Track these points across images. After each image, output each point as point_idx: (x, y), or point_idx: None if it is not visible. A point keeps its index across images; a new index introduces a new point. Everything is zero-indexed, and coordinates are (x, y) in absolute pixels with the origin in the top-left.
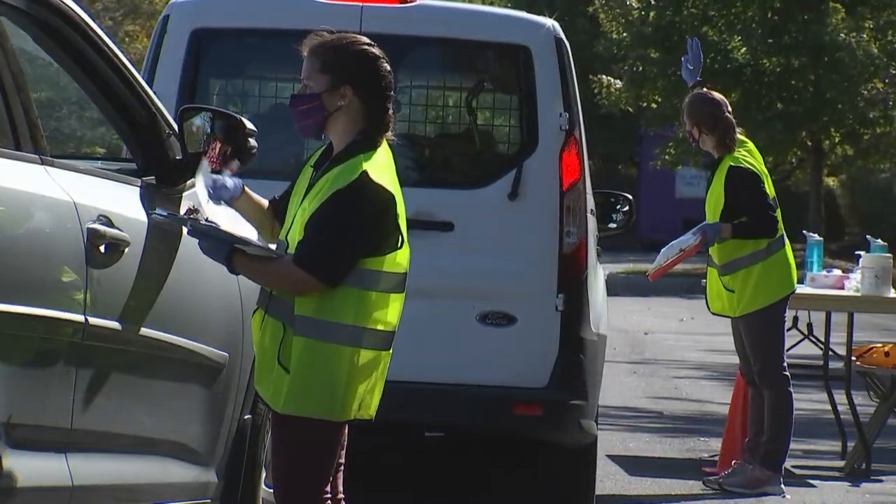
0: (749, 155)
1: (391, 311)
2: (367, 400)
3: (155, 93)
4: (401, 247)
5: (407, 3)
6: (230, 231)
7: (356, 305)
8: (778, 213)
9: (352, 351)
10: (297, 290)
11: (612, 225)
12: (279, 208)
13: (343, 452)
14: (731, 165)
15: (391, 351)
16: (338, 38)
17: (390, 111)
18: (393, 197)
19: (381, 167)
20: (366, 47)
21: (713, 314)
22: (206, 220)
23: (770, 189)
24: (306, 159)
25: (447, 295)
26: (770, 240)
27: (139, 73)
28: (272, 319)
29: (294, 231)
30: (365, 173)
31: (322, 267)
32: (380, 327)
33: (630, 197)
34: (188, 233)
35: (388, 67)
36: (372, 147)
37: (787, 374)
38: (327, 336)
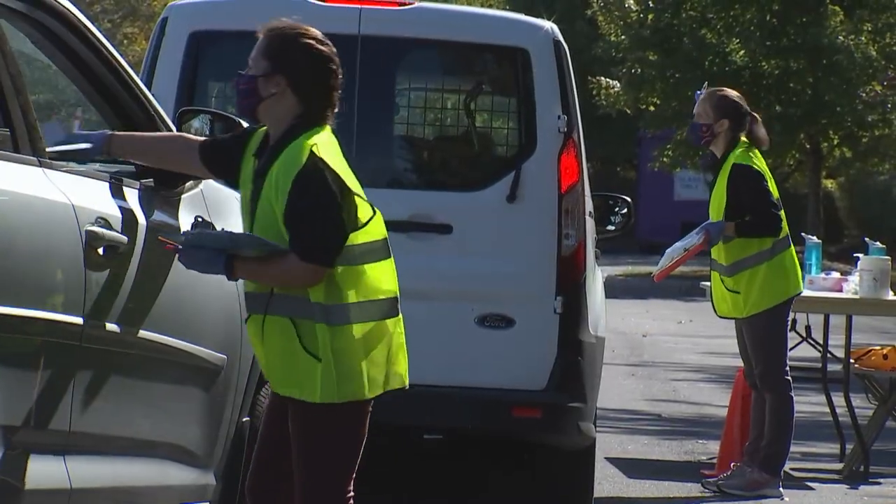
0: (753, 155)
1: (388, 278)
2: (394, 369)
3: (153, 95)
4: (374, 213)
5: (405, 5)
6: (225, 229)
7: (356, 282)
8: (782, 214)
9: (365, 326)
10: (308, 282)
11: (611, 227)
12: (210, 156)
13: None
14: (734, 163)
15: (401, 315)
16: (289, 27)
17: (329, 109)
18: (343, 172)
19: (324, 145)
20: (311, 42)
21: (721, 317)
22: (200, 221)
23: (774, 189)
24: (245, 147)
25: (445, 297)
26: (775, 240)
27: (138, 76)
28: (278, 318)
29: (261, 222)
30: (313, 153)
31: (324, 253)
32: (381, 296)
33: (629, 199)
34: (179, 255)
35: (334, 67)
36: (311, 128)
37: (790, 378)
38: (342, 318)
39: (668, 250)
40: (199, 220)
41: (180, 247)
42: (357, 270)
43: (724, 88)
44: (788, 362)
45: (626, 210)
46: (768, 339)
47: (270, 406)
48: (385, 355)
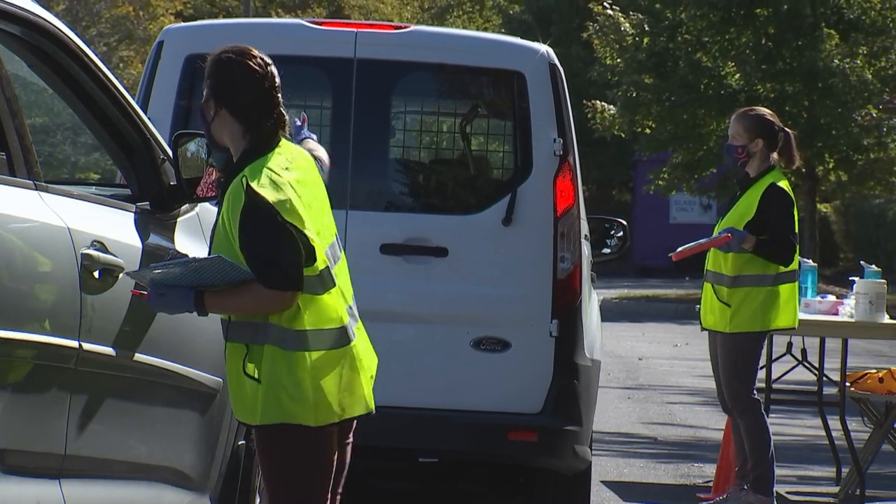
0: (786, 182)
1: (338, 307)
2: (353, 397)
3: (150, 118)
4: (313, 246)
5: (401, 28)
6: (202, 258)
7: (312, 310)
8: (797, 247)
9: (317, 354)
10: (279, 308)
11: (607, 250)
12: None
13: (342, 479)
14: (772, 182)
15: (353, 344)
16: (225, 50)
17: (278, 127)
18: (278, 203)
19: (265, 177)
20: (242, 61)
21: (704, 329)
22: (172, 254)
23: (796, 221)
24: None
25: (441, 320)
26: (782, 268)
27: (133, 99)
28: (234, 344)
29: (217, 247)
30: (249, 188)
31: (286, 277)
32: (334, 325)
33: (624, 222)
34: (147, 300)
35: (268, 84)
36: (261, 153)
37: (757, 397)
38: (297, 344)
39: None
40: (171, 252)
41: (147, 293)
42: (314, 298)
43: (756, 107)
44: (783, 385)
45: (621, 233)
46: (742, 361)
47: None
48: (337, 384)
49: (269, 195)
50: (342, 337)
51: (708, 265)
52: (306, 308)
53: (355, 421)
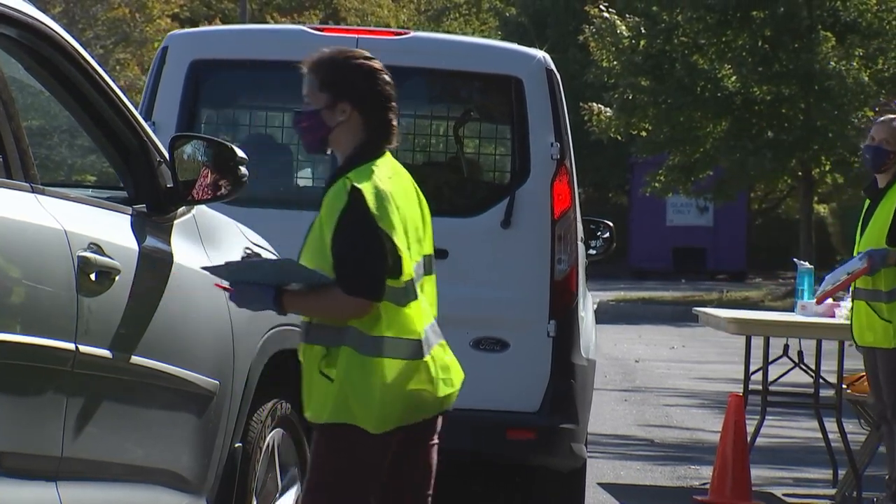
0: None
1: (419, 319)
2: (413, 410)
3: (154, 123)
4: (401, 257)
5: (401, 34)
6: (276, 259)
7: (393, 319)
8: None
9: (391, 362)
10: (354, 315)
11: (592, 252)
12: None
13: (431, 480)
14: None
15: (428, 358)
16: (335, 53)
17: (393, 122)
18: (377, 210)
19: (370, 183)
20: (362, 61)
21: (861, 347)
22: (248, 254)
23: None
24: None
25: (441, 321)
26: None
27: (130, 102)
28: (313, 346)
29: (310, 247)
30: (354, 190)
31: (367, 286)
32: (413, 337)
33: (611, 224)
34: (231, 295)
35: (388, 79)
36: (367, 159)
37: None
38: (373, 349)
39: (829, 276)
40: (248, 252)
41: (230, 287)
42: (398, 309)
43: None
44: (779, 388)
45: (607, 234)
46: None
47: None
48: (405, 394)
49: (371, 201)
50: (418, 350)
51: (858, 283)
52: (387, 316)
53: (440, 422)
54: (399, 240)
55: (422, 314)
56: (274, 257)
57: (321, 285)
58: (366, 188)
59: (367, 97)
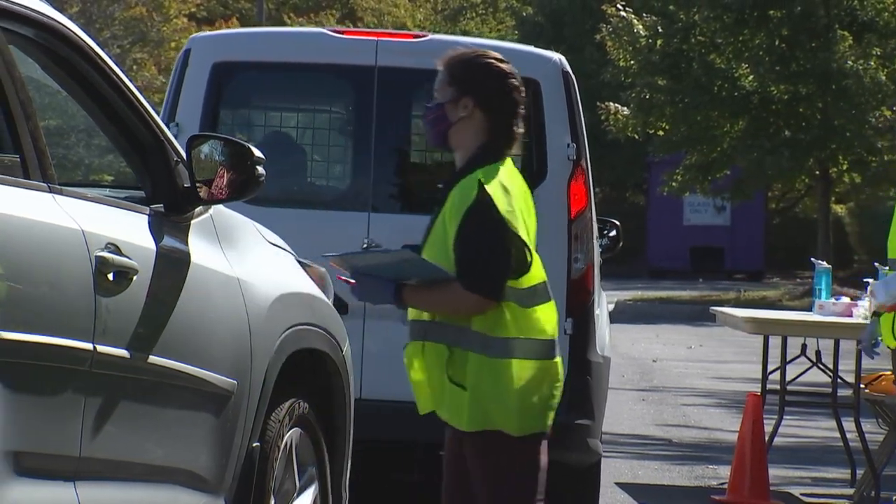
0: None
1: (550, 320)
2: (550, 411)
3: (178, 124)
4: (531, 259)
5: (420, 37)
6: (397, 252)
7: (521, 320)
8: None
9: (521, 363)
10: (472, 312)
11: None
12: None
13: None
14: None
15: (557, 359)
16: (468, 52)
17: (515, 127)
18: (506, 209)
19: (497, 182)
20: (491, 61)
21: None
22: (368, 245)
23: None
24: None
25: None
26: None
27: (147, 101)
28: (433, 344)
29: (432, 244)
30: (482, 189)
31: (487, 285)
32: (543, 337)
33: (618, 223)
34: (353, 287)
35: (516, 83)
36: (490, 161)
37: None
38: (501, 351)
39: (881, 286)
40: (366, 243)
41: (353, 280)
42: (524, 311)
43: None
44: (797, 387)
45: (614, 233)
46: None
47: (447, 441)
48: (541, 394)
49: (500, 200)
50: (549, 350)
51: None
52: (513, 317)
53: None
54: (529, 240)
55: (553, 316)
56: (393, 250)
57: (442, 280)
58: (494, 187)
59: (493, 97)
